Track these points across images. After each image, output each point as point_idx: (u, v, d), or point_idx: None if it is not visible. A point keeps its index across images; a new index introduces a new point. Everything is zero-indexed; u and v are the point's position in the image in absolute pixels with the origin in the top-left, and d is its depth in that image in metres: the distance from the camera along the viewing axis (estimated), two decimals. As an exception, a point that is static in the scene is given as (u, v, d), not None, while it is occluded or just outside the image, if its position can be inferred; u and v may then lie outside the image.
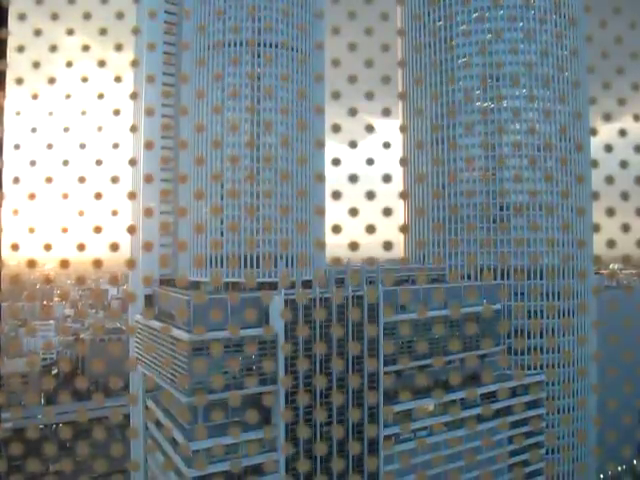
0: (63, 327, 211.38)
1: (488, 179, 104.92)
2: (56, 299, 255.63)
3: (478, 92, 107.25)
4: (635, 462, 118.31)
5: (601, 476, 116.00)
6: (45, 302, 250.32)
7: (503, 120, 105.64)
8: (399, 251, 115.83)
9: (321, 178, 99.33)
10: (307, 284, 74.78)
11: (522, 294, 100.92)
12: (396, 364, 74.98)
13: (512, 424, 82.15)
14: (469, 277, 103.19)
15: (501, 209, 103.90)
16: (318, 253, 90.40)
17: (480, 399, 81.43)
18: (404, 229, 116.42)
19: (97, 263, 27.03)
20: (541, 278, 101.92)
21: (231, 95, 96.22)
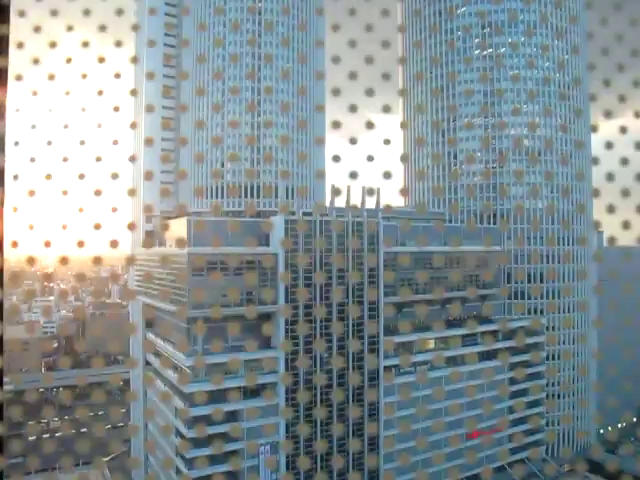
0: (62, 325, 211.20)
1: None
2: (55, 286, 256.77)
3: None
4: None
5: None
6: (46, 283, 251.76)
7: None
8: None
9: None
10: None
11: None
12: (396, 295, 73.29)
13: (512, 352, 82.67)
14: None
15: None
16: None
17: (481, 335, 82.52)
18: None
19: (97, 260, 27.06)
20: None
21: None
